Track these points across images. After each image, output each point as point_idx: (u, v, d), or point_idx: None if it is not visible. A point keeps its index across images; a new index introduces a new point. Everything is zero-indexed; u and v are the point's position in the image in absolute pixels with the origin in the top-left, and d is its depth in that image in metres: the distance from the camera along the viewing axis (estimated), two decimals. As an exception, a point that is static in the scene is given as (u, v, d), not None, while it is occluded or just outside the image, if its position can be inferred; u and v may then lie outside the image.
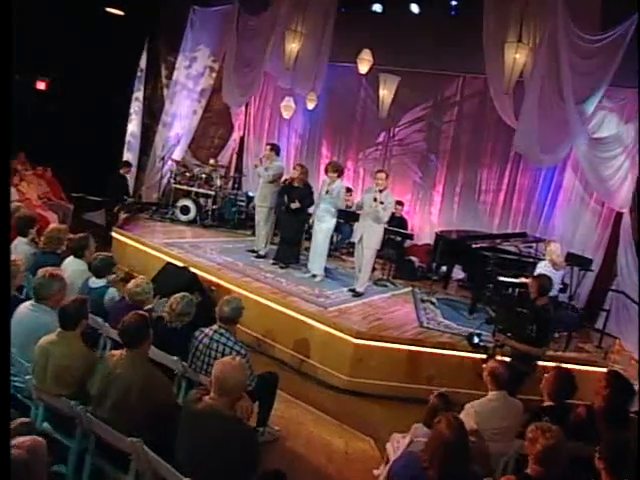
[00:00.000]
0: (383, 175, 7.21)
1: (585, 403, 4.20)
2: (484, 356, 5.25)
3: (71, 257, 5.10)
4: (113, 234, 8.45)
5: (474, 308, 7.57)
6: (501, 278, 7.20)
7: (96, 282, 4.78)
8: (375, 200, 7.03)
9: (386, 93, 9.69)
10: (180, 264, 7.29)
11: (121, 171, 10.27)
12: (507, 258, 7.63)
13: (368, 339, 6.00)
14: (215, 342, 4.03)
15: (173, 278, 6.59)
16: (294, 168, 8.30)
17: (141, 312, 3.56)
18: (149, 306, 4.70)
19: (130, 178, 10.98)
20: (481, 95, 9.58)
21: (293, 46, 9.75)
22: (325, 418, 5.36)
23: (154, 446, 2.95)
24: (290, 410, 5.37)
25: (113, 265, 4.89)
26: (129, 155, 11.25)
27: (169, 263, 7.04)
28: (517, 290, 7.44)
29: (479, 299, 7.64)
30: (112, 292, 4.70)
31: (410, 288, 8.51)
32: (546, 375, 4.10)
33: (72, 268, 5.00)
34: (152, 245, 7.97)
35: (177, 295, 4.29)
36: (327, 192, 7.61)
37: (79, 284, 4.84)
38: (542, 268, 6.69)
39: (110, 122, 11.19)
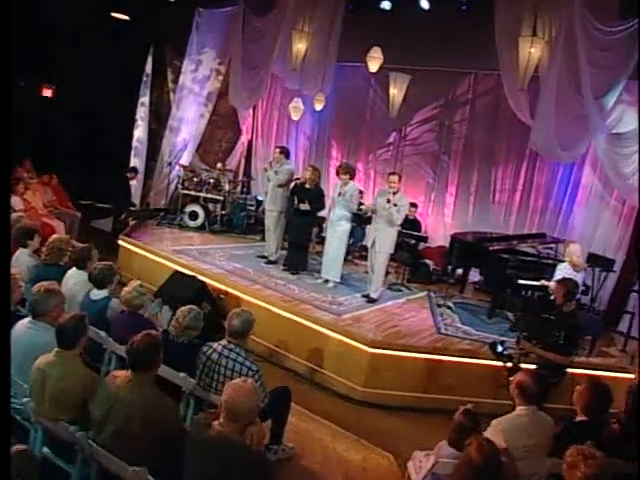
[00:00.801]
0: (396, 177, 6.98)
1: (617, 416, 3.93)
2: (508, 364, 5.01)
3: (73, 269, 4.89)
4: (119, 242, 8.23)
5: (493, 313, 7.30)
6: (521, 281, 6.91)
7: (97, 294, 4.55)
8: (388, 202, 6.80)
9: (396, 92, 9.41)
10: (188, 272, 7.06)
11: (127, 175, 10.17)
12: (526, 260, 7.34)
13: (384, 348, 5.74)
14: (224, 358, 3.79)
15: (181, 287, 6.37)
16: (306, 169, 8.06)
17: (154, 333, 3.29)
18: (146, 314, 4.47)
19: (137, 184, 10.86)
20: (494, 92, 9.28)
21: (300, 46, 9.51)
22: (341, 432, 5.10)
23: (159, 475, 2.72)
24: (304, 424, 5.12)
25: (114, 275, 4.65)
26: (136, 161, 11.08)
27: (177, 272, 6.81)
28: (537, 293, 7.15)
29: (498, 303, 7.35)
30: (114, 303, 4.46)
31: (425, 292, 8.26)
32: (578, 387, 3.81)
33: (74, 280, 4.80)
34: (159, 253, 7.75)
35: (184, 308, 4.06)
36: (340, 195, 7.37)
37: (81, 297, 4.63)
38: (562, 270, 6.42)
39: (116, 128, 11.04)
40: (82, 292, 4.66)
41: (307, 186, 7.76)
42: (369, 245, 7.21)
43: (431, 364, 5.82)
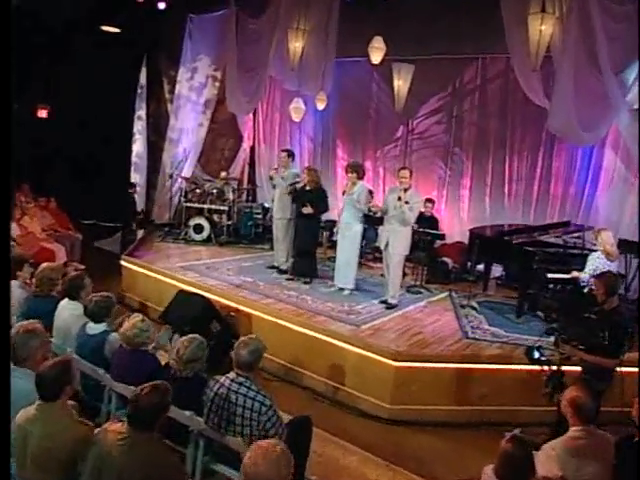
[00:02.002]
0: (407, 172, 6.51)
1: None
2: (545, 367, 4.53)
3: (66, 299, 4.46)
4: (122, 262, 7.81)
5: (521, 311, 6.78)
6: (550, 275, 6.39)
7: (94, 327, 4.12)
8: (399, 200, 6.32)
9: (401, 84, 8.94)
10: (193, 290, 6.64)
11: (130, 191, 10.02)
12: (553, 252, 6.82)
13: (409, 360, 5.27)
14: (233, 393, 3.32)
15: (186, 308, 5.93)
16: (303, 173, 7.61)
17: (163, 387, 2.79)
18: (152, 345, 4.01)
19: (139, 199, 10.52)
20: (504, 77, 8.82)
21: (297, 45, 9.04)
22: (371, 458, 4.62)
23: None
24: (329, 450, 4.66)
25: (112, 306, 4.22)
26: (137, 176, 10.78)
27: (181, 291, 6.36)
28: (568, 287, 6.63)
29: (527, 301, 6.85)
30: (113, 338, 4.02)
31: (446, 293, 7.76)
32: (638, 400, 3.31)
33: (68, 312, 4.38)
34: (164, 271, 7.31)
35: (184, 338, 3.61)
36: (349, 195, 6.91)
37: (76, 330, 4.20)
38: (595, 260, 5.91)
39: (115, 144, 10.72)
40: (77, 325, 4.25)
41: (307, 188, 7.33)
42: (382, 247, 6.72)
43: (461, 373, 5.33)
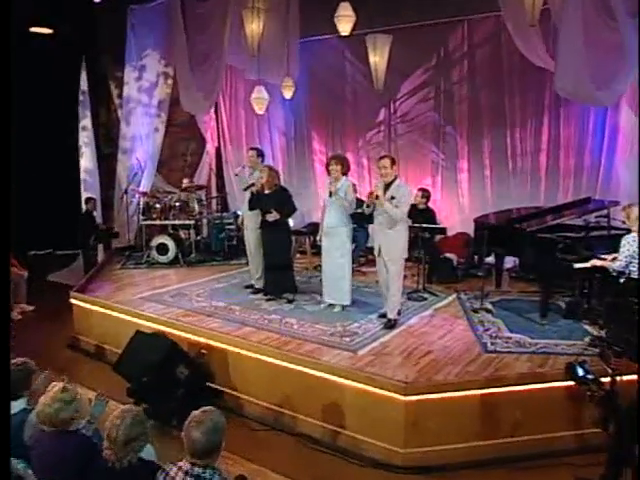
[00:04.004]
0: (387, 162, 5.67)
1: None
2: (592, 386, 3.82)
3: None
4: (72, 300, 7.01)
5: (546, 309, 6.05)
6: (578, 265, 5.66)
7: (12, 406, 3.31)
8: (377, 198, 5.55)
9: (378, 59, 8.21)
10: (157, 326, 5.86)
11: (87, 207, 9.44)
12: (576, 237, 6.10)
13: (421, 392, 4.49)
14: (190, 490, 2.53)
15: (144, 353, 5.13)
16: (261, 172, 6.82)
17: None
18: (84, 420, 3.20)
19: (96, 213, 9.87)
20: (495, 39, 8.23)
21: (254, 27, 8.29)
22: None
23: None
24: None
25: (30, 374, 3.42)
26: (88, 195, 9.90)
27: (138, 332, 5.55)
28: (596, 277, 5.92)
29: (550, 297, 6.19)
30: (34, 418, 3.21)
31: (454, 295, 7.09)
32: None
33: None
34: (119, 307, 6.51)
35: (114, 415, 2.79)
36: (331, 194, 6.16)
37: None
38: (631, 243, 5.17)
39: (60, 162, 9.97)
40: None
41: (267, 192, 6.59)
42: (375, 254, 5.94)
43: (487, 400, 4.57)
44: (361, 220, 7.33)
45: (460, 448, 4.49)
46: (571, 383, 4.16)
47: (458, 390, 4.54)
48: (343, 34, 6.88)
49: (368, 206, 5.85)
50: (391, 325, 5.80)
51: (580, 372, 3.92)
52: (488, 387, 4.58)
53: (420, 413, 4.49)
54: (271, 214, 6.50)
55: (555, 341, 5.37)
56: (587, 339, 5.39)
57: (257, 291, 7.08)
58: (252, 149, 7.56)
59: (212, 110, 10.65)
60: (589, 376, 3.89)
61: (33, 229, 9.97)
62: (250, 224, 7.15)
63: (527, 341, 5.44)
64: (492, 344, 5.40)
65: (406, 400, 4.45)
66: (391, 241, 5.69)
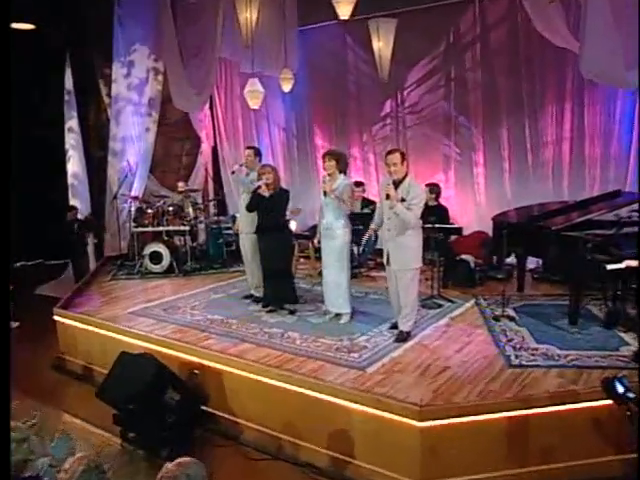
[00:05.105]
0: (397, 156, 5.20)
1: None
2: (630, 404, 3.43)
3: None
4: (55, 317, 6.68)
5: (576, 315, 5.66)
6: (610, 267, 5.26)
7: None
8: (387, 198, 5.15)
9: (382, 46, 7.96)
10: (145, 345, 5.53)
11: (69, 215, 9.26)
12: (608, 235, 5.71)
13: (438, 417, 4.10)
14: None
15: (130, 376, 4.77)
16: (259, 174, 6.47)
17: None
18: (44, 461, 2.87)
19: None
20: (510, 19, 7.96)
21: (248, 15, 8.07)
22: None
23: None
24: None
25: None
26: (76, 202, 9.66)
27: (123, 353, 5.19)
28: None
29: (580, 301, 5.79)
30: None
31: (472, 301, 6.72)
32: None
33: None
34: (105, 325, 6.17)
35: (65, 467, 2.43)
36: (325, 194, 5.83)
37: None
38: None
39: (45, 168, 9.73)
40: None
41: (266, 194, 6.23)
42: (384, 260, 5.55)
43: (514, 423, 4.18)
44: (364, 219, 7.13)
45: (484, 479, 4.12)
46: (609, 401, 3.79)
47: (480, 413, 4.15)
48: (343, 18, 6.53)
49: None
50: (403, 338, 5.41)
51: (620, 389, 3.51)
52: (515, 409, 4.19)
53: (438, 439, 4.12)
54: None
55: (588, 352, 5.00)
56: (624, 349, 5.00)
57: (257, 300, 6.77)
58: (249, 148, 7.27)
59: (207, 107, 10.39)
60: (630, 394, 3.50)
61: (20, 239, 9.71)
62: (245, 228, 6.83)
63: (556, 352, 5.08)
64: (516, 357, 5.03)
65: (421, 426, 4.07)
66: (401, 249, 5.27)
